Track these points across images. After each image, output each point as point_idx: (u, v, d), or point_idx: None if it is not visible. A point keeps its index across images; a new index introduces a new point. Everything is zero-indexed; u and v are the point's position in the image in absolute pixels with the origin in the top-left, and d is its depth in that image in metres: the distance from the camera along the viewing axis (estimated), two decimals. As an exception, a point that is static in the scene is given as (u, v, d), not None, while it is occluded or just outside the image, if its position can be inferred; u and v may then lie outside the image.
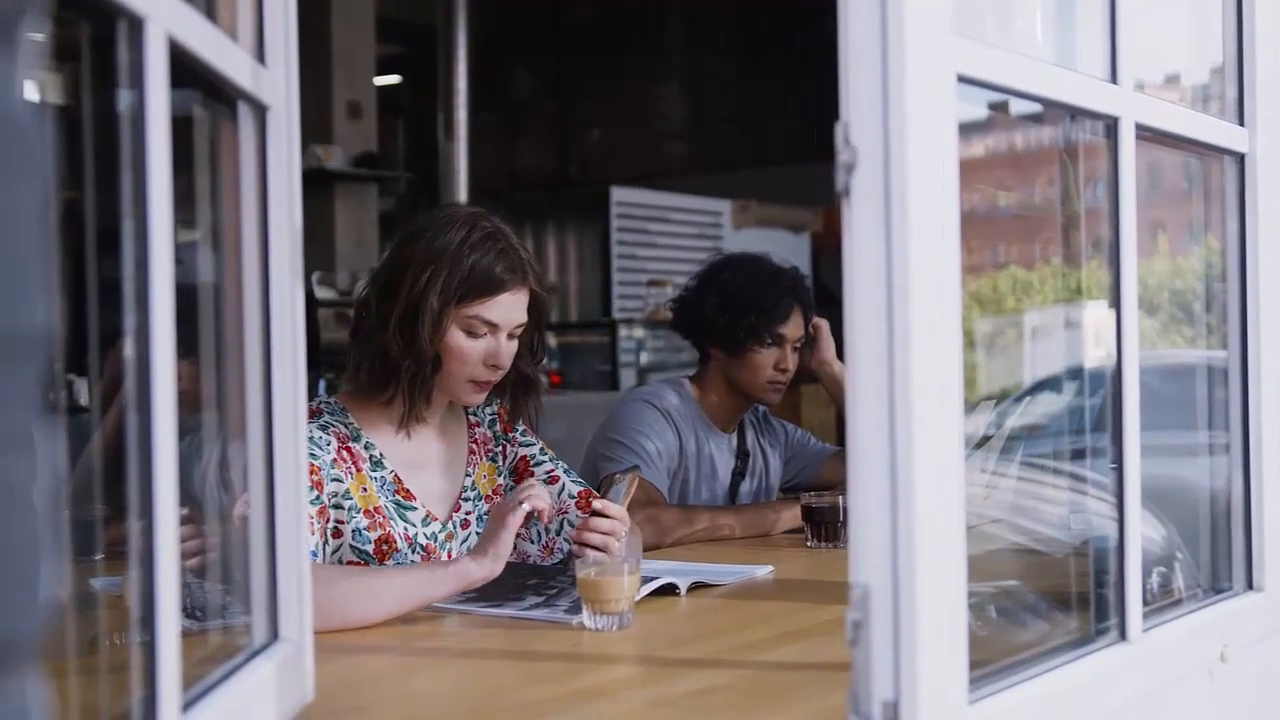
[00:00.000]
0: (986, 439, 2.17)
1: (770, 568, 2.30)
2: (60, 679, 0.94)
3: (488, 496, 2.29)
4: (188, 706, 1.07)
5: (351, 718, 1.44)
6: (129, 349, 0.98)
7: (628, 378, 7.13)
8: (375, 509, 2.12)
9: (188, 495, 1.07)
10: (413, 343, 2.10)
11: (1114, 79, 1.46)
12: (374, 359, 2.14)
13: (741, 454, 3.07)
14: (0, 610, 0.55)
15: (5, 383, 0.54)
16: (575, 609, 1.86)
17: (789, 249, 6.76)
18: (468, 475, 2.28)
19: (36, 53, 0.59)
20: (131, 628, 1.44)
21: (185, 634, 1.05)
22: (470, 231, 2.13)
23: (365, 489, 2.12)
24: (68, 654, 1.10)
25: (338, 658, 1.63)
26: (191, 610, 1.31)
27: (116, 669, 1.26)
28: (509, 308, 2.14)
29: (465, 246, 2.10)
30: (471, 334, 2.13)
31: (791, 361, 2.95)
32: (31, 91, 0.58)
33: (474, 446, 2.31)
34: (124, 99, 0.98)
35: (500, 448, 2.34)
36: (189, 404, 1.18)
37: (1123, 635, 1.46)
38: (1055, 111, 1.55)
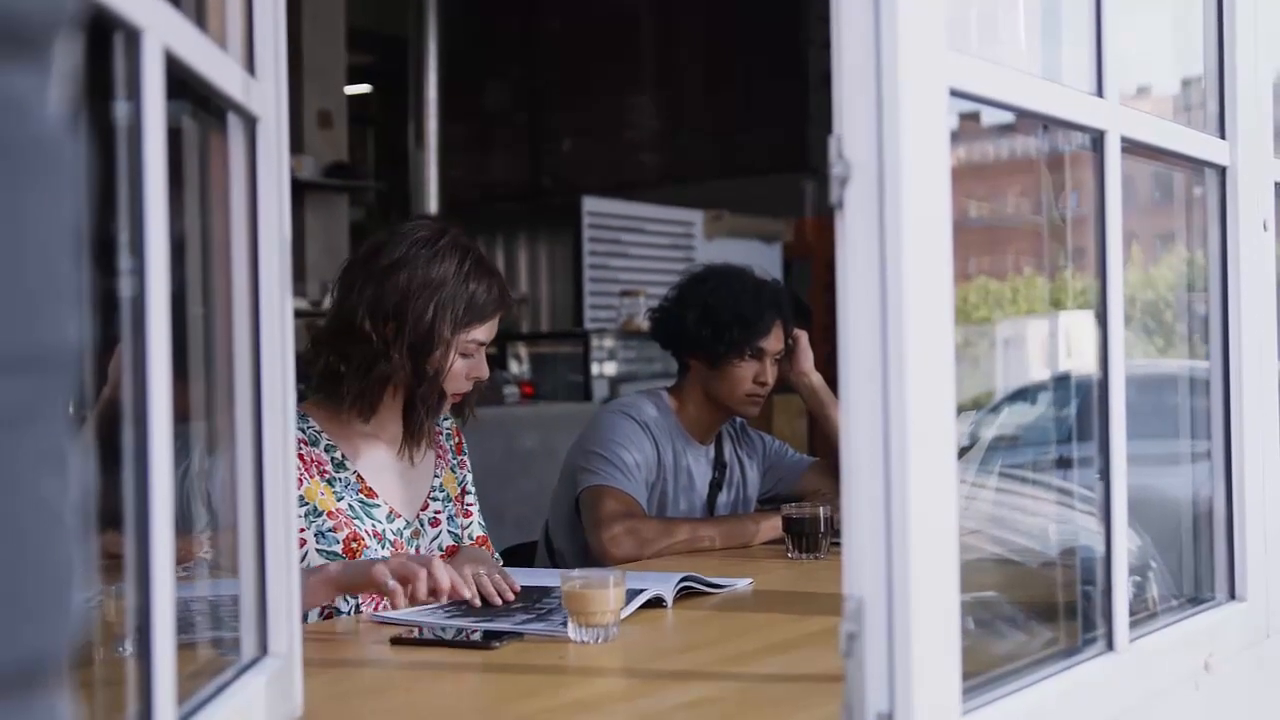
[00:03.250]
0: (964, 450, 2.18)
1: (750, 580, 2.30)
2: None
3: (455, 499, 2.39)
4: (181, 723, 1.06)
5: (339, 732, 1.43)
6: (126, 361, 0.97)
7: (600, 388, 7.12)
8: (337, 510, 2.18)
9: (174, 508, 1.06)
10: (424, 372, 2.19)
11: (1100, 92, 1.47)
12: (378, 383, 2.20)
13: (719, 465, 3.07)
14: (36, 627, 0.54)
15: (39, 398, 0.54)
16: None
17: (761, 259, 6.76)
18: (436, 476, 2.36)
19: (69, 68, 0.59)
20: (114, 642, 1.43)
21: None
22: (463, 261, 2.22)
23: (324, 493, 2.18)
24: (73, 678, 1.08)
25: (326, 673, 1.62)
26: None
27: (104, 683, 1.25)
28: (495, 326, 2.28)
29: (462, 275, 2.21)
30: (464, 355, 2.24)
31: (771, 375, 2.95)
32: (63, 106, 0.58)
33: (440, 451, 2.40)
34: (119, 109, 0.98)
35: (458, 460, 2.45)
36: (176, 416, 1.17)
37: (1110, 645, 1.47)
38: (1028, 122, 1.56)
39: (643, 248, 8.01)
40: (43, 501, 0.54)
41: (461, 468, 2.44)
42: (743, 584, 2.28)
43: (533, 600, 2.07)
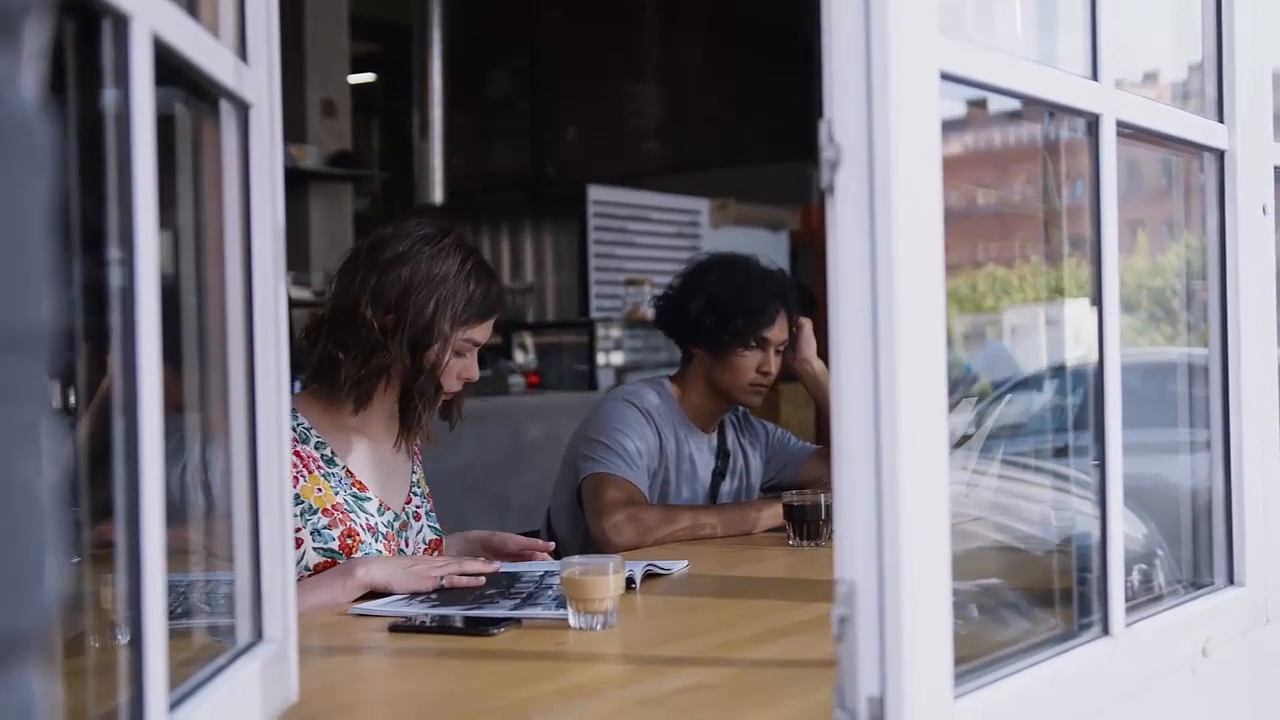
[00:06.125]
0: (966, 437, 2.18)
1: (685, 563, 2.33)
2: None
3: (427, 496, 2.43)
4: (173, 706, 1.06)
5: (335, 718, 1.44)
6: (114, 351, 0.97)
7: (606, 378, 7.12)
8: (334, 506, 2.20)
9: (168, 498, 1.07)
10: (421, 365, 2.21)
11: (1095, 76, 1.47)
12: (374, 373, 2.21)
13: (722, 454, 3.07)
14: (10, 605, 0.55)
15: (14, 378, 0.55)
16: (563, 603, 1.86)
17: (767, 248, 6.76)
18: (414, 472, 2.41)
19: (40, 50, 0.59)
20: (109, 629, 1.43)
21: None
22: (465, 260, 2.26)
23: (320, 489, 2.20)
24: (51, 655, 1.09)
25: (321, 658, 1.63)
26: (171, 610, 1.31)
27: (97, 671, 1.26)
28: (490, 328, 2.32)
29: (463, 274, 2.24)
30: (458, 354, 2.26)
31: (774, 364, 2.95)
32: (35, 88, 0.58)
33: (415, 449, 2.43)
34: (107, 97, 0.98)
35: (420, 459, 2.49)
36: (169, 406, 1.18)
37: (1105, 630, 1.47)
38: (1034, 109, 1.55)
39: (648, 237, 8.01)
40: (17, 479, 0.54)
41: (419, 469, 2.48)
42: (678, 566, 2.31)
43: (505, 586, 2.07)
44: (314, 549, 2.15)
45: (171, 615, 1.11)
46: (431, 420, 2.33)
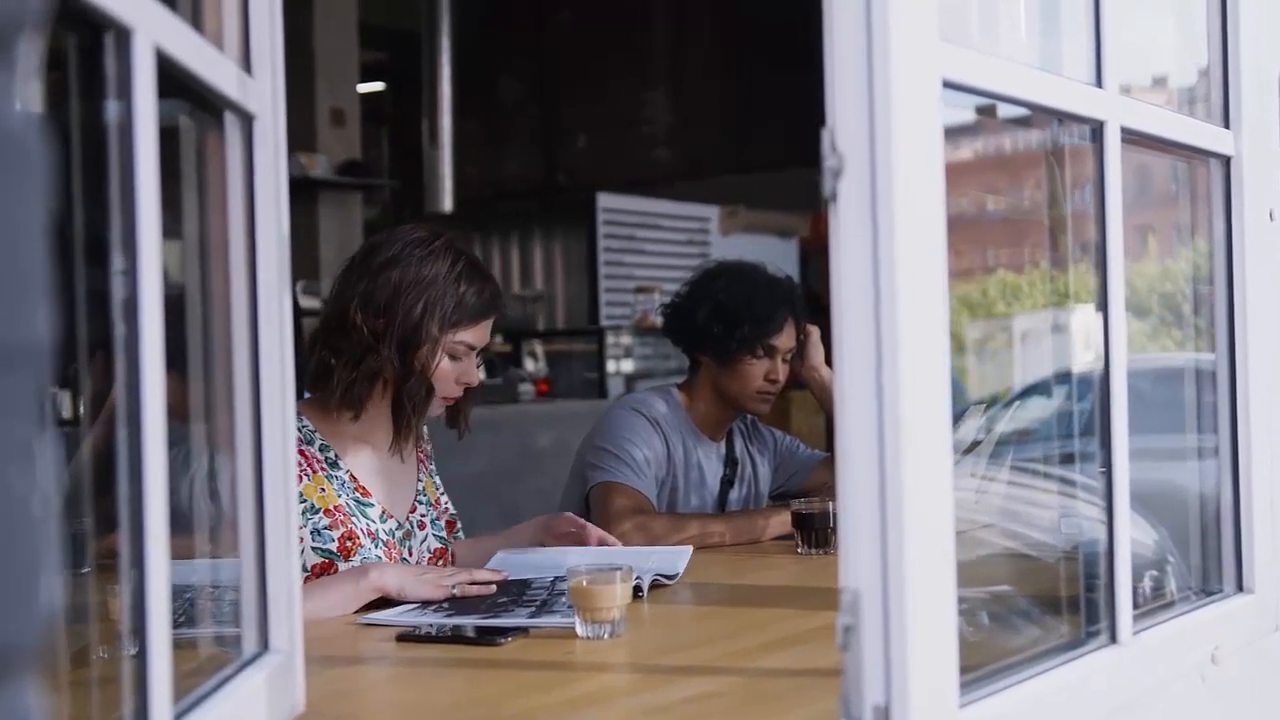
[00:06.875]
0: (976, 444, 2.17)
1: (689, 549, 2.33)
2: (50, 691, 0.94)
3: (434, 503, 2.41)
4: (179, 717, 1.06)
5: (342, 728, 1.44)
6: (118, 361, 0.97)
7: (615, 385, 7.12)
8: (335, 508, 2.21)
9: (176, 507, 1.07)
10: (411, 368, 2.21)
11: (1099, 83, 1.47)
12: (366, 378, 2.21)
13: (730, 462, 3.07)
14: (5, 619, 0.55)
15: (7, 393, 0.55)
16: (572, 612, 1.85)
17: (776, 255, 6.76)
18: (419, 481, 2.40)
19: (35, 64, 0.59)
20: (117, 640, 1.44)
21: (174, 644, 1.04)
22: (455, 262, 2.25)
23: (324, 489, 2.21)
24: (57, 666, 1.09)
25: (328, 669, 1.63)
26: (177, 619, 1.31)
27: (104, 682, 1.26)
28: (487, 331, 2.30)
29: (453, 276, 2.23)
30: (453, 357, 2.26)
31: (782, 372, 2.94)
32: (30, 102, 0.58)
33: (421, 457, 2.43)
34: (111, 109, 0.98)
35: (433, 465, 2.48)
36: (176, 416, 1.18)
37: (1113, 638, 1.47)
38: (1042, 115, 1.55)
39: (658, 244, 8.02)
40: (11, 495, 0.54)
41: (433, 476, 2.47)
42: (683, 559, 2.31)
43: (517, 594, 2.07)
44: (313, 548, 2.15)
45: (176, 624, 1.11)
46: (423, 424, 2.32)
